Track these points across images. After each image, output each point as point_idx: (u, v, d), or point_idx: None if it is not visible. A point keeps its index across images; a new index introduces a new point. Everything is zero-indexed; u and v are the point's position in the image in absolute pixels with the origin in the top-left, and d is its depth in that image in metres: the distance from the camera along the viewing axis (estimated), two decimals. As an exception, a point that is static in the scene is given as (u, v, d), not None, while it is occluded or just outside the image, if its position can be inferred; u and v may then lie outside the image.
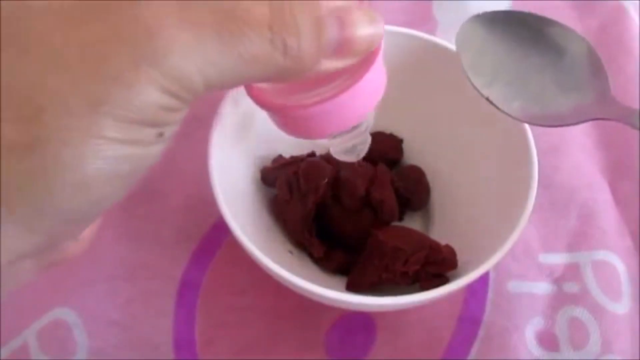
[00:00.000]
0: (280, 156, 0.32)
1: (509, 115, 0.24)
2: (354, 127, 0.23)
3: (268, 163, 0.32)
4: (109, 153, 0.14)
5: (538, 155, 0.27)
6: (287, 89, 0.21)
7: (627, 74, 0.38)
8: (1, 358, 0.29)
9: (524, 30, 0.26)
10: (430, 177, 0.33)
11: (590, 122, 0.37)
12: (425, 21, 0.42)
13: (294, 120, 0.22)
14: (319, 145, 0.25)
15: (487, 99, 0.24)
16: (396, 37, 0.31)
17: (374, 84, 0.21)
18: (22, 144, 0.14)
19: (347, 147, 0.25)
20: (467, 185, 0.31)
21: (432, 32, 0.40)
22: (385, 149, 0.33)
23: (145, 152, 0.15)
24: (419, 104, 0.33)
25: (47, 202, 0.14)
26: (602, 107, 0.24)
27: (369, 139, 0.25)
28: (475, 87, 0.25)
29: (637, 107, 0.36)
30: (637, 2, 0.42)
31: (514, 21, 0.26)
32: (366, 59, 0.20)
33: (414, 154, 0.34)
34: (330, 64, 0.18)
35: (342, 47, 0.18)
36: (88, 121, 0.14)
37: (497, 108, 0.24)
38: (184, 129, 0.36)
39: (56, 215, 0.15)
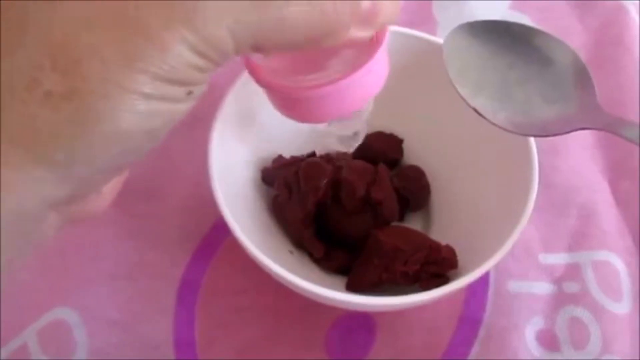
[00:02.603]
0: (280, 156, 0.32)
1: (496, 126, 0.24)
2: (355, 114, 0.24)
3: (268, 163, 0.32)
4: (142, 108, 0.15)
5: (538, 155, 0.27)
6: (287, 68, 0.21)
7: (627, 74, 0.38)
8: (1, 358, 0.29)
9: (509, 40, 0.26)
10: (430, 177, 0.33)
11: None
12: (425, 21, 0.42)
13: (295, 101, 0.22)
14: (317, 131, 0.26)
15: (475, 109, 0.25)
16: (396, 37, 0.31)
17: (376, 72, 0.21)
18: (59, 94, 0.14)
19: (345, 135, 0.25)
20: (467, 185, 0.31)
21: (432, 32, 0.40)
22: (385, 149, 0.33)
23: (175, 109, 0.16)
24: (419, 104, 0.33)
25: (82, 151, 0.15)
26: (588, 116, 0.24)
27: (365, 129, 0.26)
28: (462, 98, 0.25)
29: (638, 107, 0.36)
30: (637, 2, 0.42)
31: (498, 30, 0.26)
32: (370, 46, 0.21)
33: (414, 154, 0.34)
34: (355, 33, 0.18)
35: (367, 17, 0.18)
36: (123, 76, 0.14)
37: (485, 118, 0.24)
38: (184, 129, 0.36)
39: (89, 165, 0.15)
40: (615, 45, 0.40)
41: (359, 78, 0.21)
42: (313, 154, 0.32)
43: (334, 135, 0.26)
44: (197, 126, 0.35)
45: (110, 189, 0.20)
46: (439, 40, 0.30)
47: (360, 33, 0.18)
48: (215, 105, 0.28)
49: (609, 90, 0.38)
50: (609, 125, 0.23)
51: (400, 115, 0.33)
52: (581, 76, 0.25)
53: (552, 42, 0.26)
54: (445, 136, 0.33)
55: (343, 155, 0.34)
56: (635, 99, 0.37)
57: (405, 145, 0.34)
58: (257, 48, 0.16)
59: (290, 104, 0.22)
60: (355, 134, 0.26)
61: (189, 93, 0.16)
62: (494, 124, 0.24)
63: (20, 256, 0.17)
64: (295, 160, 0.31)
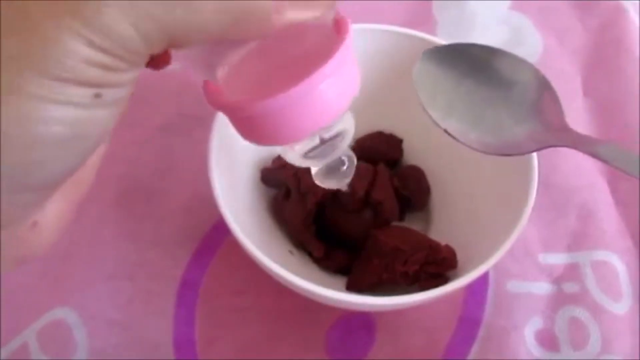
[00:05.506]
0: (280, 156, 0.32)
1: (468, 147, 0.24)
2: (327, 140, 0.20)
3: (268, 163, 0.32)
4: (38, 113, 0.13)
5: (538, 155, 0.27)
6: (253, 85, 0.19)
7: (627, 74, 0.38)
8: (1, 358, 0.29)
9: (472, 63, 0.26)
10: (430, 177, 0.33)
11: (590, 122, 0.37)
12: (425, 21, 0.42)
13: (250, 120, 0.18)
14: (288, 159, 0.22)
15: (445, 130, 0.25)
16: (396, 37, 0.31)
17: (341, 80, 0.18)
18: None
19: (326, 169, 0.22)
20: (467, 185, 0.31)
21: (432, 32, 0.40)
22: (385, 149, 0.33)
23: (85, 115, 0.14)
24: (419, 104, 0.33)
25: None
26: (555, 135, 0.24)
27: (354, 160, 0.22)
28: (433, 121, 0.25)
29: (637, 107, 0.36)
30: (637, 2, 0.42)
31: (462, 54, 0.26)
32: (332, 51, 0.18)
33: (414, 154, 0.34)
34: (294, 14, 0.16)
35: None
36: (8, 76, 0.13)
37: (456, 140, 0.25)
38: (184, 129, 0.36)
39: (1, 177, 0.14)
40: (615, 46, 0.40)
41: (315, 85, 0.17)
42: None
43: (316, 166, 0.22)
44: (197, 126, 0.35)
45: (50, 223, 0.18)
46: (439, 40, 0.30)
47: (301, 14, 0.16)
48: (215, 105, 0.28)
49: (608, 90, 0.38)
50: (576, 144, 0.23)
51: (400, 115, 0.33)
52: (545, 94, 0.25)
53: (514, 62, 0.26)
54: (445, 136, 0.32)
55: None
56: (635, 100, 0.37)
57: (405, 145, 0.34)
58: (173, 44, 0.15)
59: (248, 124, 0.19)
60: (340, 165, 0.21)
61: (97, 96, 0.14)
62: (466, 145, 0.25)
63: None
64: (295, 161, 0.31)
